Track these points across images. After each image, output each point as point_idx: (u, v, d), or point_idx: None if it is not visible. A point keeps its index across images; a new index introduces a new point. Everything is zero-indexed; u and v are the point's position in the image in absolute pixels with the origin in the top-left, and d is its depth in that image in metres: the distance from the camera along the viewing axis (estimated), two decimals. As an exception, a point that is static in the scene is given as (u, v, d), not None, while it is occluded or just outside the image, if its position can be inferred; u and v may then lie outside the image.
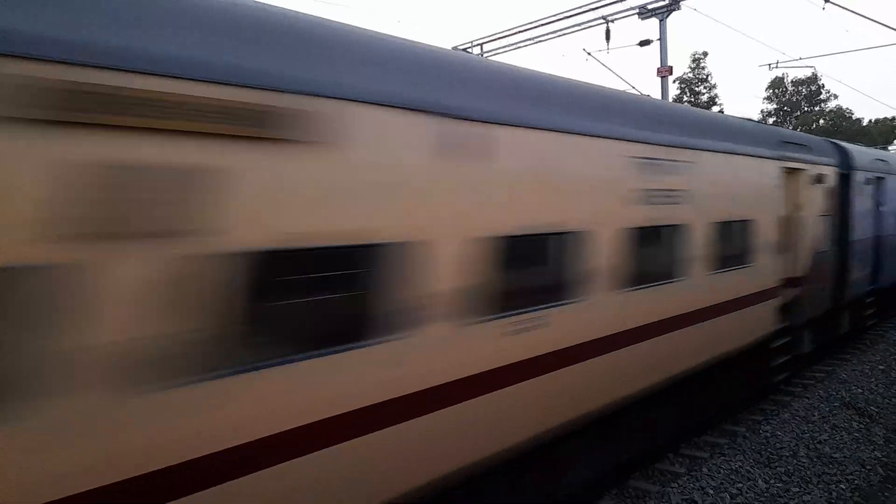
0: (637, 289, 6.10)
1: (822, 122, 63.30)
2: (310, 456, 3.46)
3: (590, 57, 19.00)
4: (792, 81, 65.12)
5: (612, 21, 17.59)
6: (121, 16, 2.91)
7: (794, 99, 65.86)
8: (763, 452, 7.38)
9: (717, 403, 8.53)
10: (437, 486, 4.29)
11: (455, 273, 4.26)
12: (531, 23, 18.85)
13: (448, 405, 4.28)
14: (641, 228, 6.11)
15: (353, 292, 3.72)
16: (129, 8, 2.96)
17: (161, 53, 2.94)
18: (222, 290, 3.11)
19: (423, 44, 4.78)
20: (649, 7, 17.31)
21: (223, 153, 3.10)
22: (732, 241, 7.85)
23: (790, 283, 9.57)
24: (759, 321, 8.75)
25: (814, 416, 8.65)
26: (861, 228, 12.36)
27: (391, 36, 4.47)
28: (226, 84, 3.12)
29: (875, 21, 14.37)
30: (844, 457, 7.36)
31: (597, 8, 17.47)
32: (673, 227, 6.71)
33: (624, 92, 7.77)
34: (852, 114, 64.80)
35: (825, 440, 7.83)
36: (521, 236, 4.76)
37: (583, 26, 18.12)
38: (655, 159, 6.40)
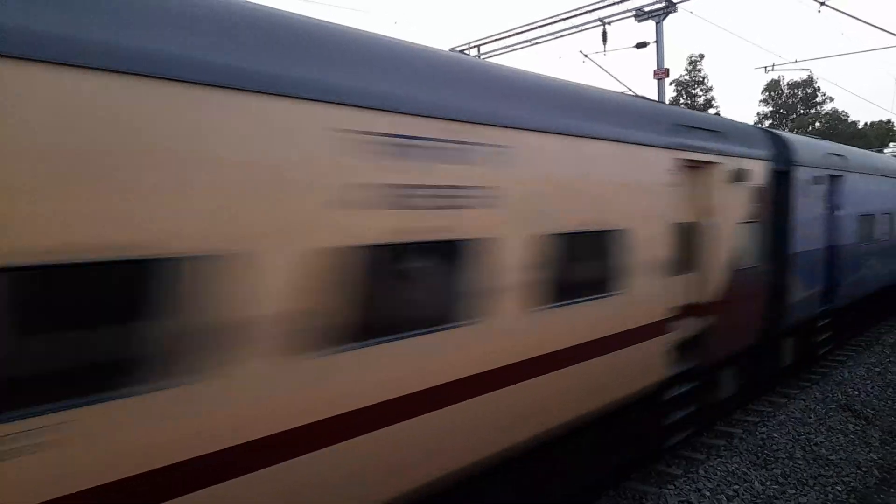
0: (363, 346, 3.86)
1: (817, 124, 63.51)
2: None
3: (587, 59, 19.04)
4: (788, 84, 65.39)
5: (609, 23, 17.62)
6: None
7: (790, 102, 66.08)
8: (759, 454, 7.39)
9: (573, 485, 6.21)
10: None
11: None
12: (528, 25, 18.87)
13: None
14: (384, 247, 3.98)
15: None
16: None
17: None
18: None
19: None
20: (646, 9, 17.35)
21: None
22: (584, 261, 5.69)
23: (694, 311, 7.40)
24: (637, 368, 6.37)
25: (810, 417, 8.66)
26: (808, 238, 10.10)
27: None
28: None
29: (871, 24, 14.42)
30: (840, 459, 7.37)
31: (593, 10, 17.50)
32: (458, 244, 4.47)
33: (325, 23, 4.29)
34: (848, 116, 65.09)
35: (821, 442, 7.84)
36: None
37: (580, 28, 18.14)
38: (418, 139, 4.17)
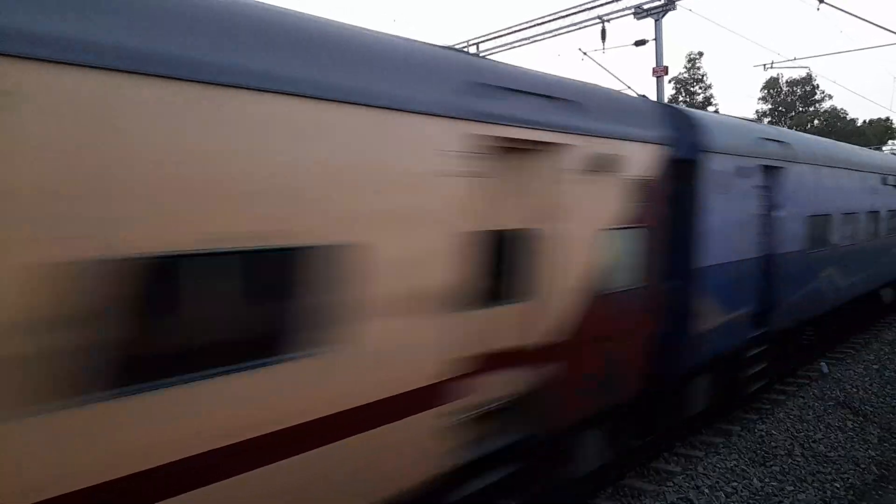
0: None
1: (816, 122, 63.54)
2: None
3: (585, 57, 19.04)
4: (787, 82, 65.36)
5: (608, 21, 17.61)
6: None
7: (789, 99, 66.09)
8: (758, 451, 7.40)
9: None
10: None
11: None
12: (527, 22, 18.87)
13: None
14: None
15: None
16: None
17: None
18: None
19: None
20: (645, 7, 17.33)
21: None
22: (249, 302, 3.51)
23: (518, 359, 5.19)
24: (373, 470, 4.07)
25: (808, 415, 8.67)
26: (729, 246, 7.74)
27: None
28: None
29: (869, 22, 14.40)
30: (839, 456, 7.38)
31: (592, 8, 17.49)
32: None
33: None
34: (847, 114, 65.12)
35: (820, 439, 7.85)
36: None
37: (578, 26, 18.14)
38: None
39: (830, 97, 65.12)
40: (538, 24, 18.65)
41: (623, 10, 17.40)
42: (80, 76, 2.67)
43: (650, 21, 17.80)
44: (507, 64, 5.82)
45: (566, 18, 18.14)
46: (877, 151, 16.83)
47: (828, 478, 6.80)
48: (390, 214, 3.99)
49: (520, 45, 19.62)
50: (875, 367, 11.20)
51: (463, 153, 4.46)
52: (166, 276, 3.06)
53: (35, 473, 2.61)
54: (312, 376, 3.60)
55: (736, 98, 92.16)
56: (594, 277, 5.64)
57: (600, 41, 17.81)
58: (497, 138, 4.74)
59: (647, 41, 18.34)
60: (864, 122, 65.33)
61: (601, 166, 5.69)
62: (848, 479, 6.81)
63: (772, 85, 65.52)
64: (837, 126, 61.29)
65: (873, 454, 7.49)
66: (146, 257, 2.89)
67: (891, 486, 6.72)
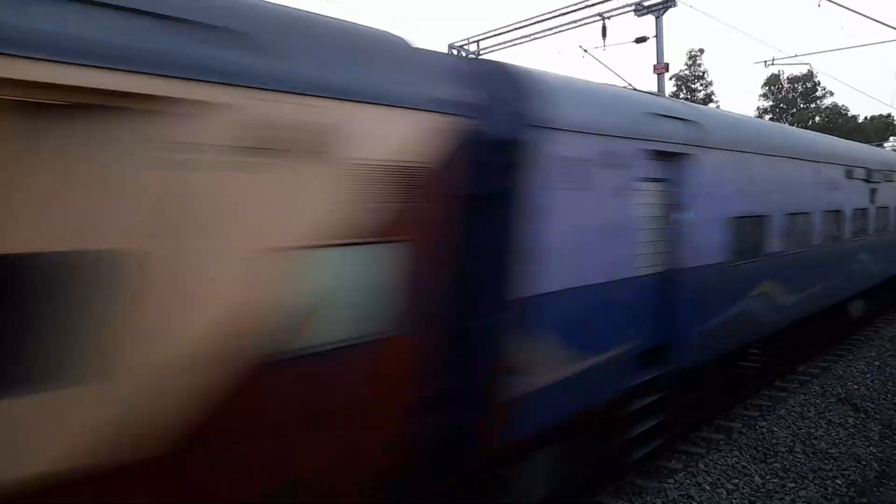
0: None
1: (817, 119, 63.45)
2: None
3: (586, 54, 19.02)
4: (788, 78, 65.22)
5: (609, 18, 17.59)
6: None
7: (790, 96, 65.97)
8: (759, 448, 7.40)
9: None
10: None
11: None
12: (527, 20, 18.83)
13: None
14: None
15: None
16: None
17: None
18: None
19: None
20: (645, 4, 17.30)
21: None
22: None
23: None
24: None
25: (809, 411, 8.68)
26: (589, 264, 5.60)
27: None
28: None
29: (870, 18, 14.38)
30: (840, 452, 7.38)
31: (593, 5, 17.46)
32: None
33: None
34: (848, 111, 65.03)
35: (821, 436, 7.85)
36: None
37: (579, 23, 18.11)
38: None
39: (832, 94, 65.06)
40: (539, 22, 18.62)
41: (624, 6, 17.37)
42: None
43: (651, 18, 17.77)
44: None
45: (567, 16, 18.10)
46: (841, 140, 14.56)
47: (829, 474, 6.80)
48: None
49: (520, 43, 19.59)
50: (876, 363, 11.20)
51: None
52: None
53: None
54: None
55: (737, 95, 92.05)
56: (260, 332, 3.27)
57: (601, 38, 17.80)
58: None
59: (648, 38, 18.31)
60: (866, 118, 65.24)
61: (289, 141, 3.39)
62: (849, 475, 6.82)
63: (773, 82, 65.39)
64: (839, 123, 61.19)
65: (874, 451, 7.49)
66: None
67: (892, 483, 6.72)
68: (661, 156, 6.55)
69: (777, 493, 6.35)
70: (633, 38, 18.73)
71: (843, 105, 65.28)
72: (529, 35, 19.14)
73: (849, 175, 11.77)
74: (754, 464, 7.00)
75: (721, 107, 56.11)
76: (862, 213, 12.65)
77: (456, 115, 4.37)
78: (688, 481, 6.52)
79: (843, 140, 14.67)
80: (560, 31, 18.55)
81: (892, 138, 52.00)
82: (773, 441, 7.62)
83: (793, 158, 9.60)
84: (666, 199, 6.75)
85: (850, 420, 8.45)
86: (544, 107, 5.12)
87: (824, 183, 10.67)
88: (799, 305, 9.93)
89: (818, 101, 65.71)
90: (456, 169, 4.38)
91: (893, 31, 13.89)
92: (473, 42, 20.07)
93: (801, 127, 47.96)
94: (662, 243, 6.64)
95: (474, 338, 4.75)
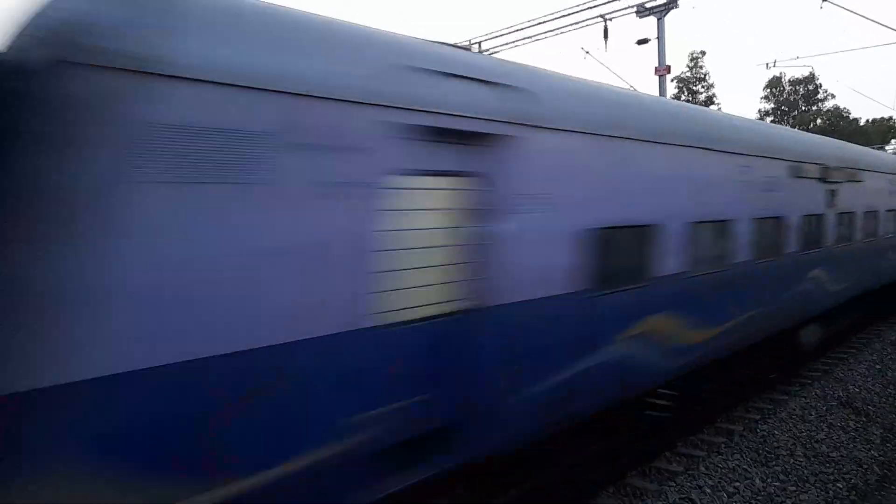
0: None
1: (819, 121, 63.42)
2: None
3: (588, 55, 19.03)
4: (789, 81, 65.24)
5: (610, 19, 17.61)
6: None
7: (792, 98, 65.97)
8: (760, 451, 7.38)
9: None
10: None
11: None
12: (529, 21, 18.87)
13: None
14: None
15: None
16: None
17: None
18: None
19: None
20: (647, 6, 17.32)
21: None
22: None
23: None
24: None
25: (811, 415, 8.65)
26: (245, 314, 3.24)
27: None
28: None
29: (873, 20, 14.35)
30: (841, 456, 7.36)
31: (595, 6, 17.48)
32: None
33: None
34: (850, 113, 65.01)
35: (822, 439, 7.83)
36: None
37: (581, 25, 18.14)
38: None
39: (833, 96, 65.09)
40: (541, 23, 18.65)
41: (625, 8, 17.40)
42: None
43: (653, 20, 17.79)
44: None
45: (568, 17, 18.14)
46: (788, 130, 12.88)
47: (830, 478, 6.78)
48: None
49: (522, 44, 19.62)
50: (877, 366, 11.18)
51: None
52: None
53: None
54: None
55: (739, 97, 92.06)
56: None
57: (603, 40, 17.81)
58: None
59: (650, 40, 18.34)
60: (868, 121, 65.23)
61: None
62: (850, 479, 6.79)
63: (774, 84, 65.41)
64: (840, 125, 61.18)
65: (876, 454, 7.47)
66: None
67: (893, 487, 6.70)
68: (450, 137, 4.26)
69: (778, 496, 6.33)
70: (635, 40, 18.76)
71: (844, 108, 65.32)
72: (531, 36, 19.18)
73: (795, 173, 9.35)
74: (755, 467, 6.98)
75: (722, 109, 56.11)
76: (815, 220, 10.20)
77: None
78: (688, 484, 6.50)
79: (791, 130, 13.16)
80: (561, 33, 18.58)
81: (893, 141, 52.00)
82: (774, 444, 7.60)
83: (704, 149, 7.27)
84: (465, 203, 4.43)
85: (852, 423, 8.43)
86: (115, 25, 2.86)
87: (756, 183, 8.31)
88: (713, 342, 7.56)
89: (820, 104, 65.70)
90: None
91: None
92: (475, 43, 20.08)
93: (803, 130, 47.91)
94: (454, 269, 4.37)
95: None
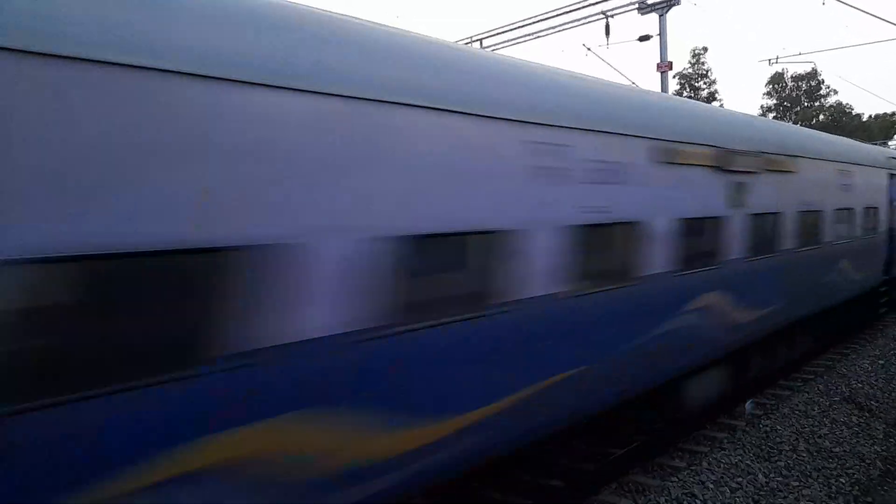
0: None
1: (822, 117, 63.27)
2: None
3: (589, 52, 19.01)
4: (792, 77, 65.10)
5: (612, 16, 17.59)
6: None
7: (794, 94, 65.81)
8: (763, 447, 7.39)
9: None
10: None
11: None
12: (530, 18, 18.85)
13: None
14: None
15: None
16: None
17: None
18: None
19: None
20: (649, 2, 17.29)
21: None
22: None
23: None
24: None
25: (813, 410, 8.66)
26: None
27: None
28: None
29: (875, 16, 14.32)
30: (844, 451, 7.36)
31: (596, 3, 17.46)
32: None
33: None
34: (852, 109, 64.83)
35: (825, 435, 7.83)
36: None
37: (582, 21, 18.12)
38: None
39: (836, 92, 64.92)
40: (542, 20, 18.63)
41: (627, 5, 17.37)
42: None
43: (654, 16, 17.76)
44: None
45: (570, 14, 18.13)
46: (651, 92, 9.54)
47: (833, 473, 6.79)
48: None
49: (523, 41, 19.61)
50: (881, 362, 11.17)
51: None
52: None
53: None
54: None
55: (741, 93, 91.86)
56: None
57: (604, 37, 17.79)
58: None
59: (652, 36, 18.31)
60: (870, 116, 65.06)
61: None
62: (853, 474, 6.80)
63: (777, 80, 65.27)
64: (843, 121, 61.03)
65: (879, 450, 7.48)
66: None
67: (896, 482, 6.71)
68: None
69: (781, 491, 6.33)
70: (637, 37, 18.73)
71: (847, 103, 65.20)
72: (532, 33, 19.17)
73: (663, 158, 6.34)
74: (758, 462, 6.98)
75: (725, 105, 55.99)
76: (707, 225, 7.19)
77: None
78: (691, 479, 6.51)
79: (661, 94, 8.71)
80: (563, 30, 18.56)
81: (896, 137, 51.84)
82: (777, 439, 7.60)
83: (578, 130, 5.23)
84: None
85: (855, 419, 8.43)
86: None
87: (575, 172, 5.24)
88: (554, 412, 5.26)
89: (822, 100, 65.53)
90: None
91: (898, 28, 13.79)
92: (477, 40, 20.07)
93: (805, 126, 47.75)
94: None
95: None
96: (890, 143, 44.02)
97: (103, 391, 2.72)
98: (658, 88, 18.14)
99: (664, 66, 18.24)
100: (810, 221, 9.66)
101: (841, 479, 6.65)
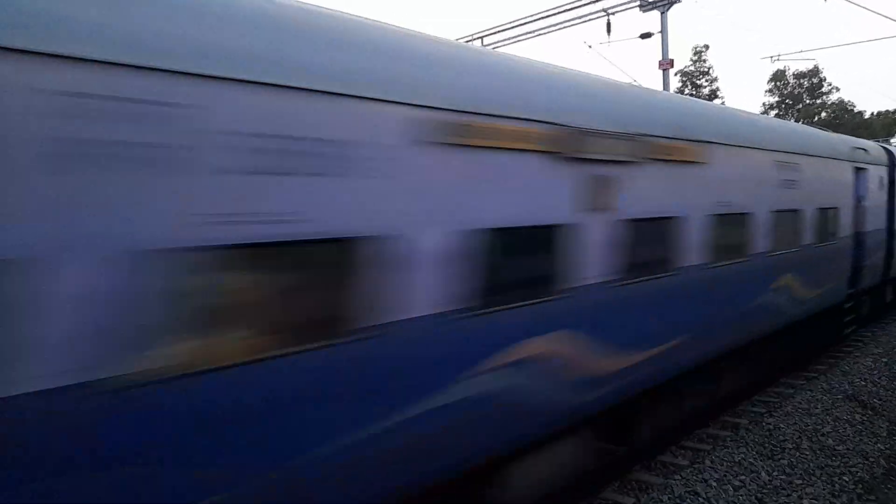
0: None
1: (823, 114, 63.15)
2: None
3: (591, 50, 18.97)
4: (794, 74, 64.96)
5: (613, 13, 17.56)
6: None
7: (796, 92, 65.68)
8: (766, 445, 7.37)
9: None
10: None
11: None
12: (532, 15, 18.82)
13: None
14: None
15: None
16: None
17: None
18: None
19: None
20: (650, -1, 17.25)
21: None
22: None
23: None
24: None
25: (817, 408, 8.63)
26: None
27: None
28: None
29: (876, 13, 14.28)
30: (847, 449, 7.35)
31: (597, 0, 17.42)
32: None
33: None
34: (854, 106, 64.69)
35: (828, 432, 7.81)
36: None
37: (584, 19, 18.09)
38: None
39: (838, 89, 64.79)
40: (543, 18, 18.60)
41: (628, 2, 17.34)
42: None
43: (656, 13, 17.72)
44: None
45: (572, 11, 18.10)
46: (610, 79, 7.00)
47: (836, 471, 6.77)
48: None
49: (525, 39, 19.58)
50: (884, 360, 11.14)
51: None
52: None
53: None
54: None
55: (743, 91, 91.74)
56: None
57: (606, 34, 17.76)
58: None
59: (653, 34, 18.27)
60: (872, 114, 64.94)
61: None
62: (856, 472, 6.78)
63: (779, 77, 65.15)
64: (845, 118, 60.92)
65: (882, 448, 7.46)
66: None
67: (900, 480, 6.69)
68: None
69: (784, 489, 6.32)
70: (639, 34, 18.69)
71: (849, 101, 65.04)
72: (534, 31, 19.14)
73: (444, 138, 4.22)
74: (761, 460, 6.97)
75: (727, 103, 55.90)
76: (514, 238, 4.83)
77: None
78: (694, 478, 6.49)
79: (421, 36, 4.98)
80: (565, 27, 18.53)
81: (898, 134, 51.72)
82: (780, 437, 7.59)
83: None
84: None
85: (858, 417, 8.41)
86: None
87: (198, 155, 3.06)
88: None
89: (824, 97, 65.41)
90: None
91: (901, 25, 13.77)
92: (478, 38, 20.05)
93: (808, 124, 47.63)
94: None
95: None
96: (893, 140, 43.93)
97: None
98: (660, 86, 18.11)
99: (666, 64, 18.21)
100: (731, 227, 7.48)
101: (844, 478, 6.63)
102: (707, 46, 59.95)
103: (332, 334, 3.54)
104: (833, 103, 64.92)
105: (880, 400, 9.10)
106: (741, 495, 6.18)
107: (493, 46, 19.66)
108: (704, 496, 6.13)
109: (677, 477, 6.56)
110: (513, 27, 19.36)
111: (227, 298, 3.18)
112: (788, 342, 9.86)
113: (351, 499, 3.77)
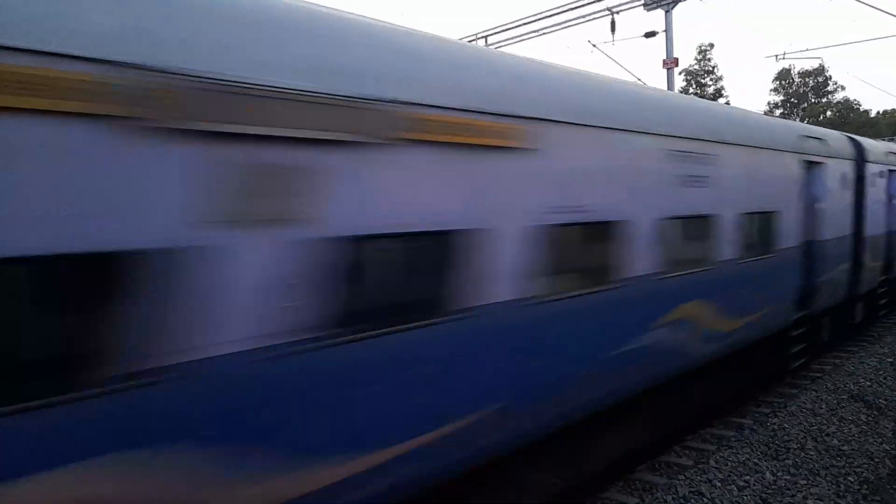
0: None
1: (829, 113, 62.93)
2: None
3: (595, 49, 18.94)
4: (799, 73, 64.78)
5: (618, 12, 17.53)
6: None
7: (802, 90, 65.49)
8: (770, 445, 7.36)
9: None
10: None
11: None
12: (536, 14, 18.81)
13: None
14: None
15: None
16: None
17: None
18: None
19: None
20: (655, -2, 17.20)
21: None
22: None
23: None
24: None
25: (821, 408, 8.61)
26: None
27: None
28: None
29: (883, 11, 14.22)
30: (852, 449, 7.32)
31: (602, -1, 17.40)
32: None
33: None
34: (860, 105, 64.47)
35: (833, 433, 7.79)
36: None
37: (588, 18, 18.06)
38: None
39: (843, 88, 64.60)
40: (547, 17, 18.58)
41: (633, 0, 17.29)
42: None
43: (660, 12, 17.68)
44: None
45: (576, 10, 18.07)
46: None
47: (841, 472, 6.75)
48: None
49: (529, 38, 19.56)
50: (889, 360, 11.10)
51: None
52: None
53: None
54: None
55: (748, 89, 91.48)
56: None
57: (610, 33, 17.73)
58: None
59: (658, 33, 18.23)
60: (878, 112, 64.68)
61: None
62: (861, 473, 6.76)
63: (784, 76, 64.97)
64: (850, 117, 60.69)
65: (887, 448, 7.43)
66: None
67: (905, 480, 6.66)
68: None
69: (789, 489, 6.30)
70: (643, 33, 18.64)
71: (855, 99, 64.84)
72: (538, 30, 19.12)
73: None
74: (766, 460, 6.95)
75: (731, 102, 55.70)
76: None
77: None
78: (698, 478, 6.48)
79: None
80: (569, 26, 18.51)
81: (904, 133, 51.48)
82: (785, 438, 7.57)
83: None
84: None
85: (863, 417, 8.38)
86: None
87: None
88: None
89: (830, 96, 65.19)
90: None
91: (907, 23, 13.68)
92: (482, 37, 20.04)
93: (813, 122, 47.36)
94: None
95: None
96: (898, 139, 43.72)
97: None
98: (664, 84, 18.08)
99: (670, 63, 18.17)
100: (584, 243, 5.60)
101: (849, 478, 6.61)
102: (712, 45, 59.95)
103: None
104: (839, 102, 64.71)
105: (885, 400, 9.07)
106: (745, 495, 6.17)
107: (496, 46, 19.65)
108: (709, 496, 6.13)
109: (681, 477, 6.56)
110: (516, 26, 19.36)
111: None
112: (702, 388, 7.85)
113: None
